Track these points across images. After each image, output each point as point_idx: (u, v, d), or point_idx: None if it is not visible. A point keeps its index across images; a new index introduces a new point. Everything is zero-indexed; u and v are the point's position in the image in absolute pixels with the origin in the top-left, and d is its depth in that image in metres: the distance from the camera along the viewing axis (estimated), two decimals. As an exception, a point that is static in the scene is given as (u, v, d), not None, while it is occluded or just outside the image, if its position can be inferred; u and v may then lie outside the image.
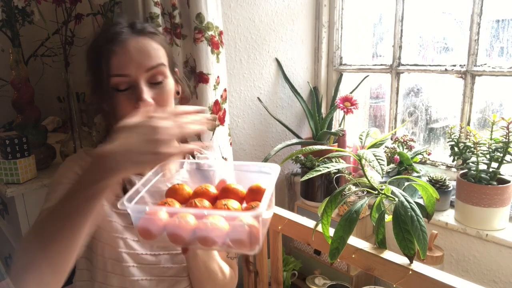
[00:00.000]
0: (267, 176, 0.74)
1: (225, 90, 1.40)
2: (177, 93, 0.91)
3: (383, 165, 0.84)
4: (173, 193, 0.73)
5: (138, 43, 0.80)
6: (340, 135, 1.67)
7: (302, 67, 1.95)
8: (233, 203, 0.69)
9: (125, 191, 0.84)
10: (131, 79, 0.78)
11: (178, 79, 0.91)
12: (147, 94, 0.78)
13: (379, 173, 0.82)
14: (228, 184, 0.75)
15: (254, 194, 0.73)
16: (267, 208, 0.65)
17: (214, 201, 0.72)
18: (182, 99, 0.95)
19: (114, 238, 0.83)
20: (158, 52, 0.82)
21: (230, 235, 0.64)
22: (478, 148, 1.31)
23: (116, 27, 0.82)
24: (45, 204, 0.80)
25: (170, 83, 0.84)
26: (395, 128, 1.77)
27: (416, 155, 1.55)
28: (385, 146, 1.58)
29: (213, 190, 0.74)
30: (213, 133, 1.37)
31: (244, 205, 0.72)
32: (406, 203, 0.83)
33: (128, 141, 0.57)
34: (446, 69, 1.56)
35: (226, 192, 0.73)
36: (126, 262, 0.82)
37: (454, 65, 1.54)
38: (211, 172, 0.87)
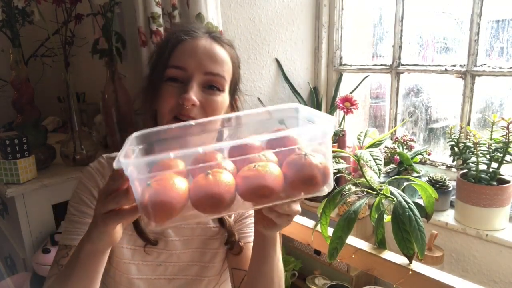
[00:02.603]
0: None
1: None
2: None
3: (380, 165, 0.84)
4: (166, 168, 0.51)
5: (210, 45, 0.77)
6: (340, 135, 1.67)
7: (302, 67, 1.95)
8: (268, 152, 0.52)
9: None
10: (187, 74, 0.75)
11: (234, 106, 0.86)
12: (195, 93, 0.73)
13: (376, 173, 0.82)
14: (243, 141, 0.54)
15: (282, 144, 0.53)
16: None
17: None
18: None
19: (125, 265, 0.81)
20: (224, 63, 0.78)
21: (290, 174, 0.49)
22: (478, 148, 1.31)
23: (194, 25, 0.81)
24: (65, 225, 0.80)
25: (224, 99, 0.78)
26: (395, 128, 1.77)
27: (416, 155, 1.55)
28: (385, 146, 1.58)
29: (220, 156, 0.52)
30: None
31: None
32: (404, 203, 0.83)
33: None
34: (446, 69, 1.56)
35: (242, 152, 0.52)
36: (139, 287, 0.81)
37: (454, 65, 1.54)
38: None
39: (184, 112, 0.73)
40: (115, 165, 0.47)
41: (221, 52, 0.78)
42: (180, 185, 0.47)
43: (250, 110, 0.64)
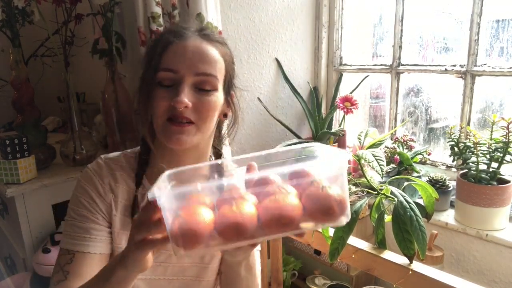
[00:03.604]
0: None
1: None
2: (224, 115, 0.86)
3: (383, 165, 0.84)
4: (194, 199, 0.58)
5: (199, 44, 0.76)
6: (340, 135, 1.67)
7: (302, 67, 1.95)
8: (287, 186, 0.55)
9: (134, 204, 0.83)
10: (178, 76, 0.74)
11: (230, 102, 0.85)
12: (187, 95, 0.73)
13: (378, 173, 0.82)
14: (264, 174, 0.58)
15: (301, 176, 0.56)
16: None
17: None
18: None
19: None
20: (215, 62, 0.77)
21: (309, 205, 0.52)
22: (478, 148, 1.31)
23: (184, 24, 0.80)
24: (65, 229, 0.80)
25: (217, 98, 0.78)
26: (395, 128, 1.77)
27: (416, 155, 1.55)
28: (385, 146, 1.58)
29: (243, 189, 0.57)
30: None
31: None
32: (405, 203, 0.83)
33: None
34: (446, 69, 1.56)
35: (264, 184, 0.56)
36: None
37: (454, 65, 1.54)
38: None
39: (177, 114, 0.74)
40: (149, 196, 0.51)
41: (211, 51, 0.77)
42: (207, 215, 0.52)
43: (271, 150, 0.66)
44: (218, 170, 0.67)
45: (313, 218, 0.53)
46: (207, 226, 0.51)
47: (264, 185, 0.55)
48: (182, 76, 0.74)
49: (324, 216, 0.53)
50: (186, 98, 0.73)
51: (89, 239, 0.78)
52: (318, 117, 1.80)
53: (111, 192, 0.81)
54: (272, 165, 0.64)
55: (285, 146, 1.63)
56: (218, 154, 0.95)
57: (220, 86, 0.79)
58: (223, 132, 0.95)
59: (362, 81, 1.81)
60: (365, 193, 1.30)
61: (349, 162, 1.73)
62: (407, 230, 0.81)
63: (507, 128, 1.25)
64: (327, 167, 0.57)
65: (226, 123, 0.93)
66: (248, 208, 0.52)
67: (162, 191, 0.53)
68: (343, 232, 0.87)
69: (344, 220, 0.54)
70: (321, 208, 0.52)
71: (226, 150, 1.43)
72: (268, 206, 0.52)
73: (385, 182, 0.96)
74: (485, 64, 1.46)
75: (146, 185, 0.84)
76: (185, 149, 0.79)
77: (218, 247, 0.54)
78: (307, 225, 0.53)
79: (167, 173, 0.61)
